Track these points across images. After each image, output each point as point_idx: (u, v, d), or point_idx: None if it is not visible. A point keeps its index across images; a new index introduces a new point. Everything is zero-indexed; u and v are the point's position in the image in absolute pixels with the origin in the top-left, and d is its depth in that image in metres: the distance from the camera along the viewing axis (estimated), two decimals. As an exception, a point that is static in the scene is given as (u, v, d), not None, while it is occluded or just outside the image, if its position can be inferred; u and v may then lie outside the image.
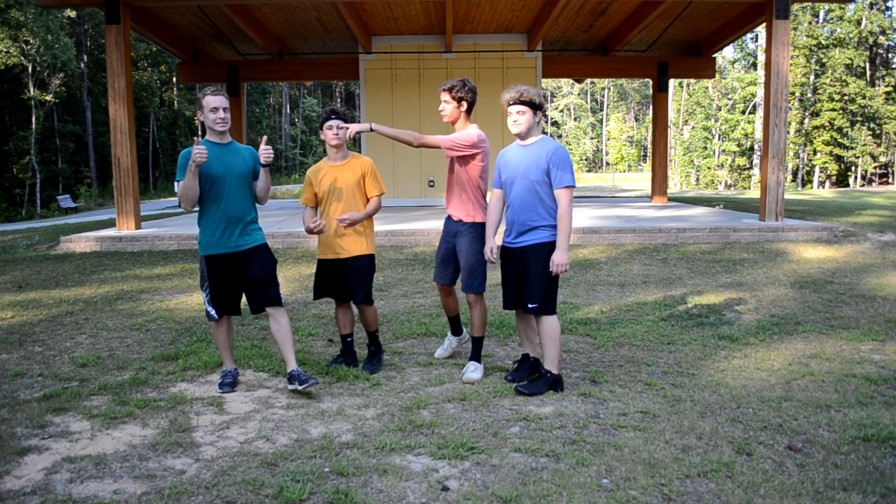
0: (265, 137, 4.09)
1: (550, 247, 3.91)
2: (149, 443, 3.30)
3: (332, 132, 4.31)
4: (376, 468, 2.99)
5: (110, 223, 12.76)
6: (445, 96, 4.29)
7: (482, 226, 4.29)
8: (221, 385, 4.10)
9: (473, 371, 4.25)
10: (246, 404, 3.85)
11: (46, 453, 3.20)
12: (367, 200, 4.43)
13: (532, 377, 4.13)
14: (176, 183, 4.15)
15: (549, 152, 3.89)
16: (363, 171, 4.40)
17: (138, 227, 10.75)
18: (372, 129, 4.13)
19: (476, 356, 4.35)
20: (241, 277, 4.05)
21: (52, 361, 4.70)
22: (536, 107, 3.98)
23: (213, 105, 3.92)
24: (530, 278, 3.95)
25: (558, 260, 3.86)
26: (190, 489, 2.82)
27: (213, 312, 4.09)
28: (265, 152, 4.00)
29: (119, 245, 9.76)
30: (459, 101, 4.26)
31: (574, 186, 3.92)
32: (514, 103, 3.96)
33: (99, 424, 3.53)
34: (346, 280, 4.44)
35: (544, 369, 3.98)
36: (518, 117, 3.97)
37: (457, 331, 4.72)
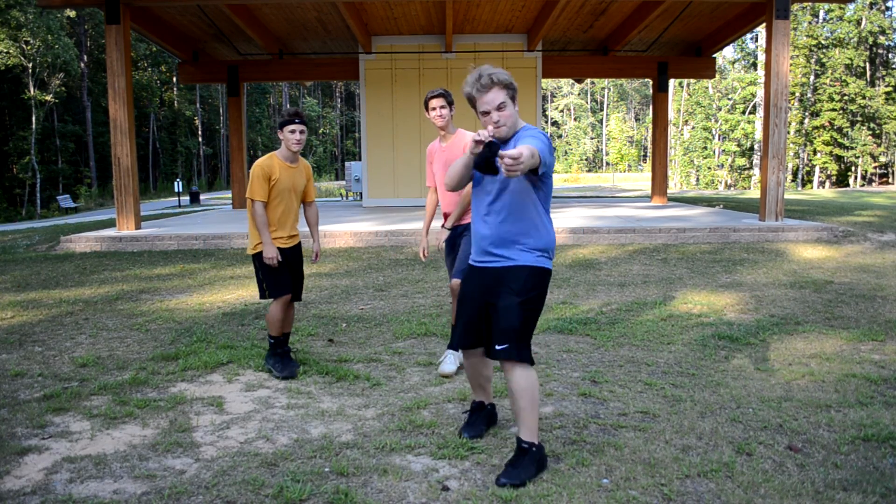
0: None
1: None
2: (149, 443, 3.30)
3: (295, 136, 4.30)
4: (376, 468, 2.99)
5: (110, 223, 12.76)
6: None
7: None
8: None
9: (451, 363, 4.30)
10: (246, 404, 3.85)
11: (46, 453, 3.19)
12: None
13: (511, 460, 2.91)
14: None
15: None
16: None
17: (138, 227, 10.75)
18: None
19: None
20: None
21: (52, 361, 4.70)
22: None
23: None
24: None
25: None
26: (190, 489, 2.82)
27: None
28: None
29: (119, 245, 9.75)
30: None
31: None
32: None
33: (99, 424, 3.53)
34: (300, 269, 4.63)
35: (525, 443, 2.88)
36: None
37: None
